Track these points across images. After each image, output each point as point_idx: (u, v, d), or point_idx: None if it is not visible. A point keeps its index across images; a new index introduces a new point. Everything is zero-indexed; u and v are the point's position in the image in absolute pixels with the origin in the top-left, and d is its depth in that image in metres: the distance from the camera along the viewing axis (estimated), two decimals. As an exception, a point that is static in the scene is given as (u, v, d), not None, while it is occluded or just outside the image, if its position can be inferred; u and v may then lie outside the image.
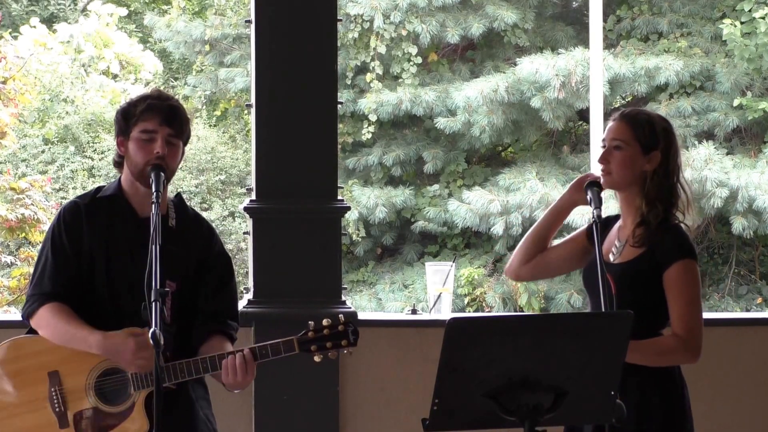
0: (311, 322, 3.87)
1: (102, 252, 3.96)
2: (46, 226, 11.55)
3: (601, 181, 4.07)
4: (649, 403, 4.05)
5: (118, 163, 4.05)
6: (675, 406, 4.09)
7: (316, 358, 3.87)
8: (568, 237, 4.29)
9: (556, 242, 4.30)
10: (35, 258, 12.73)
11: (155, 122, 3.93)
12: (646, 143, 4.05)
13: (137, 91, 19.15)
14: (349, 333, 3.87)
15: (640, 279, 4.05)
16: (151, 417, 3.82)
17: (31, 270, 11.95)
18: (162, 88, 19.85)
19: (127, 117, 3.97)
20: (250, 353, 3.85)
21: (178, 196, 4.11)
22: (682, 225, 4.11)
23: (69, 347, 3.91)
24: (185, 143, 4.03)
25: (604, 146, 4.08)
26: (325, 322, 3.86)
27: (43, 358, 3.93)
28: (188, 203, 4.17)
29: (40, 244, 4.07)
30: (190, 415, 4.00)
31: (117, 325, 3.89)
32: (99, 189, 4.08)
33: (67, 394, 3.90)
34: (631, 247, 4.08)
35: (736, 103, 16.59)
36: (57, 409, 3.89)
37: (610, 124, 4.10)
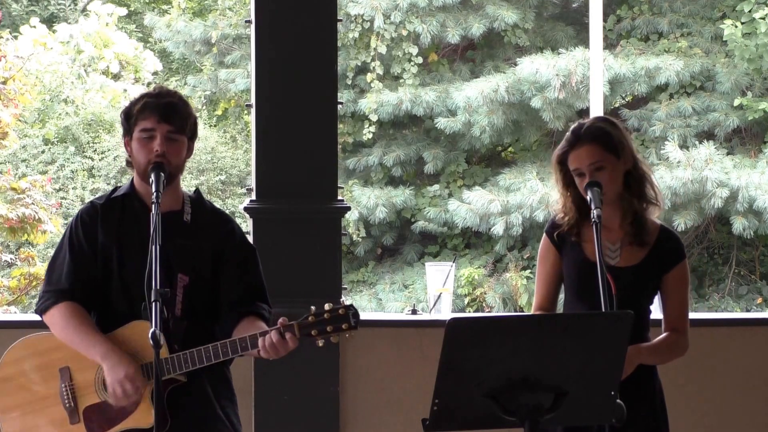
0: (312, 307, 3.87)
1: (116, 250, 3.98)
2: (47, 226, 11.57)
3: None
4: (632, 403, 4.07)
5: (130, 163, 4.07)
6: (657, 404, 4.16)
7: (319, 343, 3.87)
8: (543, 270, 4.26)
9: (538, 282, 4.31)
10: (35, 258, 12.72)
11: (153, 120, 3.94)
12: (616, 150, 4.11)
13: (137, 91, 19.16)
14: (350, 316, 3.86)
15: (649, 282, 4.13)
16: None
17: (31, 270, 11.85)
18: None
19: (128, 117, 4.00)
20: (277, 333, 3.83)
21: (197, 191, 4.12)
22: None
23: None
24: (191, 138, 4.03)
25: (581, 174, 4.10)
26: (326, 306, 3.87)
27: (54, 355, 3.97)
28: (207, 199, 4.18)
29: (57, 243, 4.10)
30: (206, 412, 3.99)
31: (131, 320, 3.91)
32: (115, 189, 4.12)
33: (77, 389, 3.93)
34: (633, 247, 4.11)
35: (736, 103, 16.60)
36: (67, 405, 3.93)
37: (576, 152, 4.10)
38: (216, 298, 4.02)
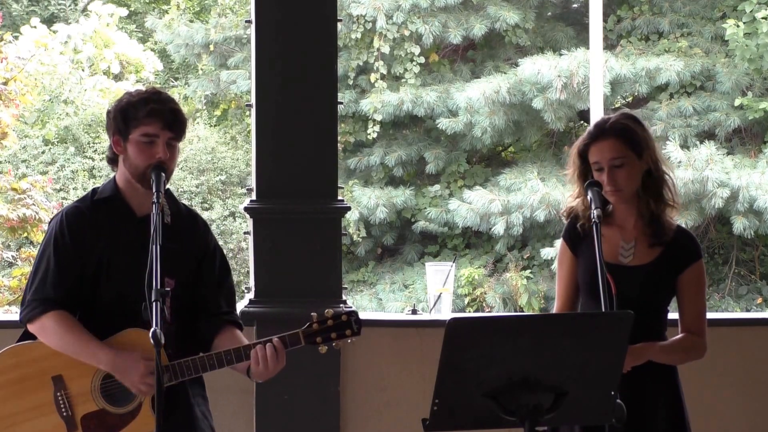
0: (314, 314, 3.91)
1: (105, 255, 3.95)
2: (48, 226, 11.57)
3: (612, 199, 4.10)
4: (654, 401, 4.08)
5: (112, 160, 4.02)
6: (678, 401, 4.16)
7: (322, 349, 3.91)
8: (561, 275, 4.27)
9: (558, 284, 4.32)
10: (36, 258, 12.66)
11: (157, 126, 3.90)
12: (638, 149, 4.10)
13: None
14: (353, 322, 3.92)
15: (662, 281, 4.12)
16: None
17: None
18: (163, 88, 19.84)
19: (127, 118, 3.93)
20: (280, 341, 3.88)
21: (168, 191, 4.05)
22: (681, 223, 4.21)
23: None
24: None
25: (600, 168, 4.09)
26: (327, 312, 3.90)
27: (44, 364, 3.93)
28: (180, 200, 4.16)
29: (40, 246, 4.03)
30: (190, 413, 4.00)
31: (122, 326, 3.89)
32: (95, 191, 4.06)
33: (73, 397, 3.90)
34: (648, 248, 4.11)
35: (736, 103, 16.60)
36: (64, 414, 3.89)
37: (598, 145, 4.09)
38: (197, 301, 4.02)
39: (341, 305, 5.76)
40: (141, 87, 4.26)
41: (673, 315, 4.23)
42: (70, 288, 3.94)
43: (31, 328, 3.96)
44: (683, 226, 4.25)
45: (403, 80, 17.41)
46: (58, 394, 3.90)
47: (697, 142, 16.32)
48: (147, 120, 3.90)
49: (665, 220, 4.14)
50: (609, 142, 4.07)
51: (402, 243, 17.87)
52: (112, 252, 3.95)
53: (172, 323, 3.90)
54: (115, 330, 3.90)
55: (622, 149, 4.07)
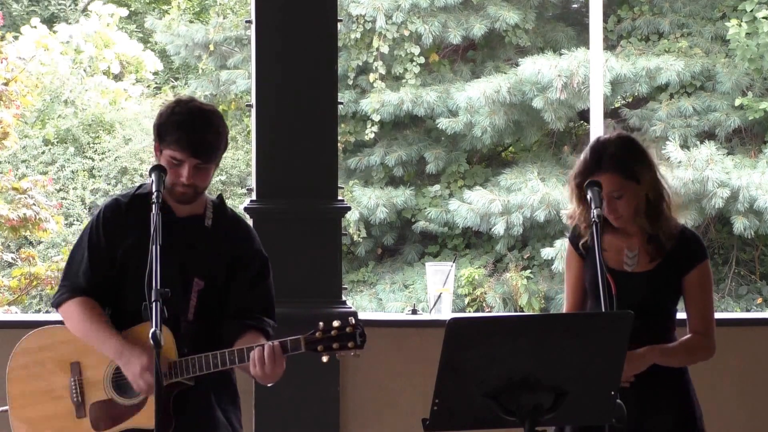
0: (321, 323, 3.87)
1: (137, 250, 3.95)
2: (49, 225, 11.59)
3: (615, 224, 4.10)
4: (662, 405, 4.08)
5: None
6: (688, 405, 4.17)
7: (324, 358, 3.88)
8: (568, 277, 4.28)
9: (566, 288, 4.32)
10: (36, 257, 12.68)
11: (184, 154, 3.89)
12: (636, 177, 4.09)
13: (137, 91, 19.16)
14: (357, 335, 3.84)
15: (666, 285, 4.12)
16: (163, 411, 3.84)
17: (32, 269, 11.84)
18: (162, 88, 19.83)
19: (161, 135, 3.94)
20: (279, 346, 3.86)
21: (220, 197, 4.09)
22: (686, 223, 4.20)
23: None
24: (220, 158, 4.00)
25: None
26: (334, 323, 3.86)
27: (66, 348, 4.01)
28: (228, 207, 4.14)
29: (80, 234, 4.09)
30: (208, 416, 4.00)
31: (144, 319, 3.88)
32: (140, 186, 4.10)
33: (86, 384, 3.97)
34: (651, 253, 4.11)
35: (737, 103, 16.60)
36: (75, 399, 3.96)
37: (596, 178, 4.04)
38: (225, 304, 4.02)
39: (341, 307, 5.76)
40: (194, 97, 4.17)
41: (682, 315, 4.23)
42: (100, 281, 3.99)
43: (60, 312, 4.04)
44: (689, 228, 4.24)
45: (403, 80, 17.41)
46: (73, 379, 3.97)
47: (697, 142, 16.32)
48: (173, 145, 3.90)
49: (666, 231, 4.13)
50: (607, 177, 4.06)
51: (402, 243, 17.87)
52: (145, 248, 3.94)
53: (193, 322, 3.94)
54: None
55: (620, 182, 4.06)
